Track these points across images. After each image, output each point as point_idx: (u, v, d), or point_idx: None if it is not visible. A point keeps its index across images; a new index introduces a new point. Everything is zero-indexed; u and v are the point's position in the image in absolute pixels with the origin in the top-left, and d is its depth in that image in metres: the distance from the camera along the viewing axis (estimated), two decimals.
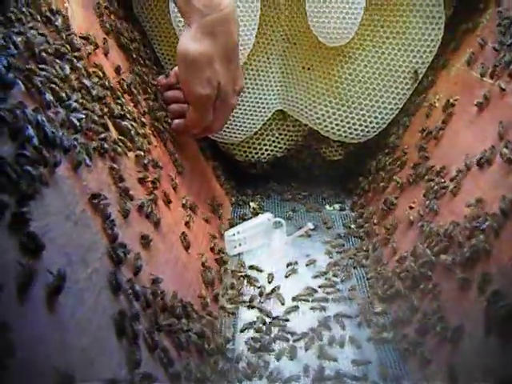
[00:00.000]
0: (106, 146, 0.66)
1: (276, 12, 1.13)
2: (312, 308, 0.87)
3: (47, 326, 0.43)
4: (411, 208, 0.90)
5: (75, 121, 0.59)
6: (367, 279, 0.93)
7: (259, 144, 1.25)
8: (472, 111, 0.83)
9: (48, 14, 0.67)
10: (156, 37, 1.17)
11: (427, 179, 0.89)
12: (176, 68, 0.95)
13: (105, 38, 0.84)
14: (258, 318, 0.85)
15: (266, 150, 1.25)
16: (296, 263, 0.98)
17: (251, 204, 1.21)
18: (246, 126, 1.20)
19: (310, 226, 1.04)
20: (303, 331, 0.81)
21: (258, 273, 0.97)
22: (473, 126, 0.83)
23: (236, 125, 1.19)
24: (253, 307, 0.88)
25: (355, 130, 1.15)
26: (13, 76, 0.50)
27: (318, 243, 1.06)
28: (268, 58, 1.17)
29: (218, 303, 0.87)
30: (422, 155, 0.94)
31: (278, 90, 1.19)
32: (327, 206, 1.22)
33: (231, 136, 1.21)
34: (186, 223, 0.88)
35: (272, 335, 0.81)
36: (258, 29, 1.08)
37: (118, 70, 0.85)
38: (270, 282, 0.94)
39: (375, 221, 1.04)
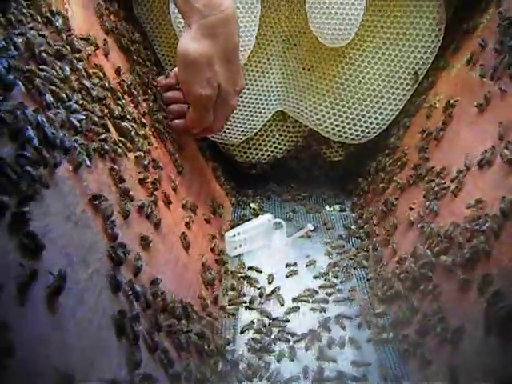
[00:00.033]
0: (106, 146, 0.66)
1: (276, 13, 1.13)
2: (312, 309, 0.87)
3: (48, 327, 0.43)
4: (411, 209, 0.90)
5: (75, 122, 0.59)
6: (367, 280, 0.94)
7: (259, 145, 1.24)
8: (472, 112, 0.83)
9: (48, 14, 0.67)
10: (156, 38, 1.17)
11: (427, 180, 0.89)
12: (176, 69, 0.95)
13: (105, 39, 0.84)
14: (258, 319, 0.85)
15: (266, 150, 1.25)
16: (296, 264, 0.98)
17: (251, 205, 1.21)
18: (246, 127, 1.20)
19: (310, 226, 1.04)
20: (303, 332, 0.81)
21: (258, 274, 0.97)
22: (473, 126, 0.83)
23: (236, 126, 1.19)
24: (253, 308, 0.88)
25: (355, 130, 1.15)
26: (13, 77, 0.50)
27: (318, 244, 1.06)
28: (268, 59, 1.17)
29: (218, 304, 0.87)
30: (422, 156, 0.94)
31: (278, 90, 1.19)
32: (327, 207, 1.22)
33: (231, 137, 1.21)
34: (186, 224, 0.88)
35: (272, 336, 0.81)
36: (259, 30, 1.08)
37: (118, 70, 0.85)
38: (270, 283, 0.94)
39: (375, 222, 1.04)
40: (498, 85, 0.78)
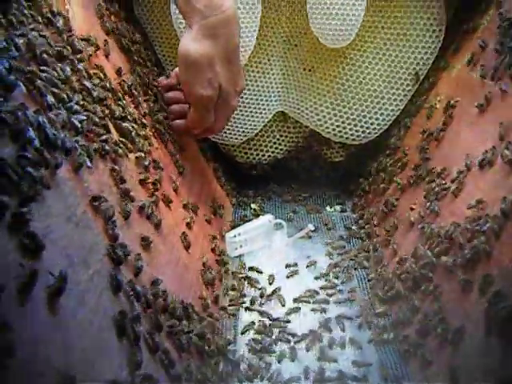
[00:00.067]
0: (107, 147, 0.66)
1: (277, 14, 1.13)
2: (313, 309, 0.87)
3: (48, 327, 0.43)
4: (412, 209, 0.90)
5: (76, 122, 0.59)
6: (368, 281, 0.94)
7: (260, 145, 1.25)
8: (473, 112, 0.83)
9: (49, 15, 0.67)
10: (157, 38, 1.18)
11: (428, 180, 0.89)
12: (177, 69, 0.95)
13: (106, 40, 0.84)
14: (258, 319, 0.85)
15: (267, 151, 1.25)
16: (297, 265, 0.98)
17: (252, 205, 1.21)
18: (246, 128, 1.20)
19: (311, 227, 1.04)
20: (304, 333, 0.81)
21: (258, 274, 0.97)
22: (474, 127, 0.83)
23: (237, 126, 1.19)
24: (254, 309, 0.88)
25: (356, 131, 1.15)
26: (14, 78, 0.50)
27: (319, 245, 1.06)
28: (269, 60, 1.17)
29: (218, 305, 0.87)
30: (423, 156, 0.94)
31: (278, 91, 1.20)
32: (328, 208, 1.22)
33: (232, 137, 1.21)
34: (187, 224, 0.88)
35: (273, 337, 0.81)
36: (259, 30, 1.09)
37: (118, 71, 0.85)
38: (270, 284, 0.94)
39: (376, 222, 1.04)
40: (499, 85, 0.78)
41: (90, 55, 0.75)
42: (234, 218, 1.17)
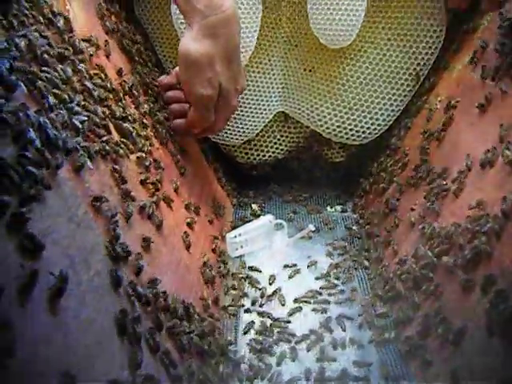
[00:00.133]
0: (107, 148, 0.66)
1: (277, 14, 1.13)
2: (313, 310, 0.87)
3: (49, 327, 0.43)
4: (412, 209, 0.90)
5: (77, 123, 0.59)
6: (369, 281, 0.94)
7: (260, 146, 1.25)
8: (473, 113, 0.83)
9: (50, 16, 0.67)
10: (158, 39, 1.18)
11: (428, 181, 0.89)
12: (177, 68, 0.95)
13: (106, 40, 0.85)
14: (259, 319, 0.85)
15: (268, 151, 1.25)
16: (297, 265, 0.98)
17: (252, 206, 1.21)
18: (247, 128, 1.20)
19: (312, 227, 1.04)
20: (305, 333, 0.81)
21: (259, 274, 0.97)
22: (474, 127, 0.83)
23: (237, 126, 1.19)
24: (254, 309, 0.88)
25: (357, 131, 1.15)
26: (15, 78, 0.51)
27: (320, 245, 1.06)
28: (269, 60, 1.17)
29: (219, 305, 0.87)
30: (424, 157, 0.94)
31: (279, 91, 1.20)
32: (328, 208, 1.22)
33: (232, 138, 1.21)
34: (188, 225, 0.88)
35: (274, 337, 0.81)
36: (260, 31, 1.09)
37: (119, 71, 0.85)
38: (271, 284, 0.94)
39: (376, 222, 1.04)
40: (499, 86, 0.78)
41: (91, 55, 0.75)
42: (235, 218, 1.17)
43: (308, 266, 0.98)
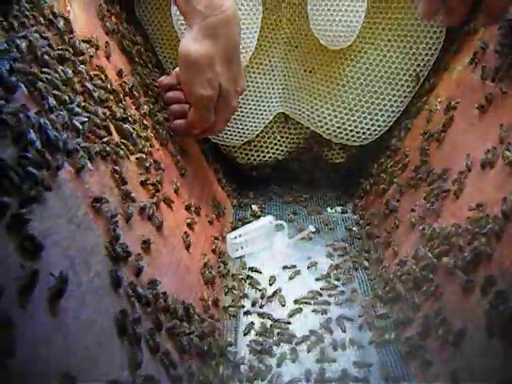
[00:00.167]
0: (108, 148, 0.66)
1: (278, 15, 1.13)
2: (314, 311, 0.87)
3: (49, 328, 0.43)
4: (413, 210, 0.90)
5: (78, 124, 0.59)
6: (369, 281, 0.94)
7: (261, 147, 1.25)
8: (473, 114, 0.83)
9: (50, 17, 0.67)
10: (158, 40, 1.18)
11: (429, 182, 0.89)
12: (177, 68, 0.95)
13: (107, 41, 0.85)
14: (259, 320, 0.85)
15: (268, 152, 1.25)
16: (297, 266, 0.98)
17: (253, 207, 1.21)
18: (247, 129, 1.20)
19: (312, 228, 1.04)
20: (305, 334, 0.81)
21: (259, 275, 0.97)
22: (474, 128, 0.83)
23: (238, 127, 1.20)
24: (254, 310, 0.88)
25: (357, 132, 1.15)
26: (16, 79, 0.51)
27: (320, 246, 1.06)
28: (270, 61, 1.17)
29: (219, 306, 0.87)
30: (424, 158, 0.94)
31: (279, 92, 1.20)
32: (329, 209, 1.22)
33: (233, 138, 1.21)
34: (188, 225, 0.88)
35: (274, 338, 0.81)
36: (260, 32, 1.09)
37: (119, 72, 0.85)
38: (271, 285, 0.94)
39: (376, 223, 1.04)
40: (499, 86, 0.78)
41: (91, 57, 0.75)
42: (235, 219, 1.17)
43: (308, 267, 0.98)
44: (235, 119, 1.18)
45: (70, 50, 0.68)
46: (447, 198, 0.82)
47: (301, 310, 0.87)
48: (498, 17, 0.76)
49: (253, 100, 1.18)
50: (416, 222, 0.87)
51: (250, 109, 1.19)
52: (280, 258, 1.01)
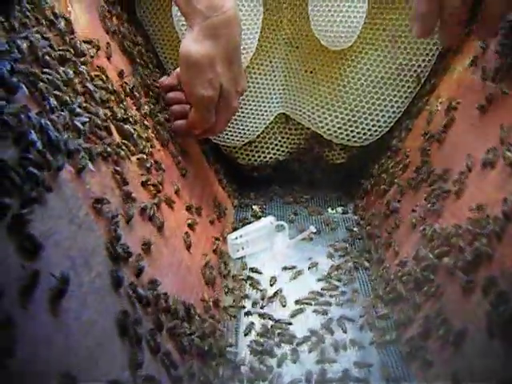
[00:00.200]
0: (109, 149, 0.66)
1: (279, 16, 1.13)
2: (315, 311, 0.87)
3: (50, 328, 0.43)
4: (414, 211, 0.90)
5: (79, 124, 0.59)
6: (370, 282, 0.94)
7: (261, 147, 1.25)
8: (474, 114, 0.83)
9: (51, 17, 0.67)
10: (159, 40, 1.18)
11: (429, 182, 0.89)
12: (178, 69, 0.95)
13: (108, 42, 0.85)
14: (260, 321, 0.85)
15: (269, 153, 1.25)
16: (298, 266, 0.98)
17: (253, 207, 1.22)
18: (248, 130, 1.20)
19: (313, 229, 1.04)
20: (306, 335, 0.81)
21: (260, 276, 0.97)
22: (475, 129, 0.83)
23: (238, 128, 1.20)
24: (255, 310, 0.88)
25: (358, 133, 1.15)
26: (17, 80, 0.51)
27: (321, 246, 1.06)
28: (271, 62, 1.17)
29: (220, 306, 0.87)
30: (424, 158, 0.94)
31: (280, 93, 1.20)
32: (330, 209, 1.22)
33: (233, 139, 1.21)
34: (189, 226, 0.88)
35: (275, 339, 0.81)
36: (261, 32, 1.09)
37: (120, 73, 0.85)
38: (272, 286, 0.94)
39: (378, 224, 1.04)
40: (500, 87, 0.78)
41: (92, 57, 0.75)
42: (236, 219, 1.17)
43: (309, 268, 0.98)
44: (236, 120, 1.18)
45: (71, 50, 0.68)
46: (448, 198, 0.82)
47: (302, 310, 0.87)
48: (493, 32, 0.76)
49: (253, 100, 1.18)
50: (417, 223, 0.87)
51: (251, 109, 1.19)
52: (281, 258, 1.01)
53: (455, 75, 0.98)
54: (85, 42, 0.75)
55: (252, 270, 0.98)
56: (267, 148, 1.25)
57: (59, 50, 0.65)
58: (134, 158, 0.75)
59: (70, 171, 0.55)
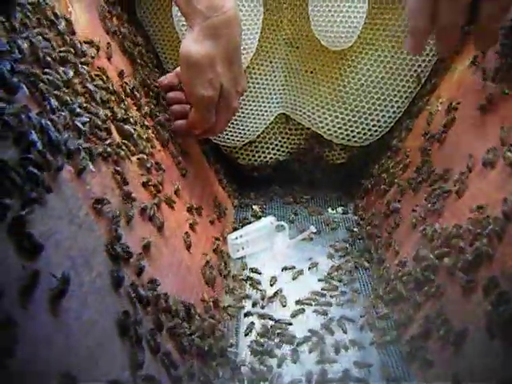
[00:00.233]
0: (109, 149, 0.66)
1: (279, 16, 1.13)
2: (315, 311, 0.87)
3: (50, 328, 0.43)
4: (414, 211, 0.90)
5: (79, 125, 0.59)
6: (370, 282, 0.94)
7: (262, 147, 1.25)
8: (475, 114, 0.83)
9: (52, 18, 0.67)
10: (159, 41, 1.18)
11: (430, 182, 0.89)
12: (178, 69, 0.95)
13: (108, 42, 0.85)
14: (260, 321, 0.85)
15: (269, 153, 1.25)
16: (298, 267, 0.98)
17: (254, 207, 1.22)
18: (248, 130, 1.20)
19: (313, 229, 1.05)
20: (306, 335, 0.81)
21: (260, 276, 0.97)
22: (476, 129, 0.83)
23: (239, 128, 1.20)
24: (255, 310, 0.88)
25: (358, 133, 1.15)
26: (17, 80, 0.51)
27: (321, 246, 1.06)
28: (271, 62, 1.17)
29: (220, 306, 0.87)
30: (425, 158, 0.94)
31: (280, 93, 1.20)
32: (330, 210, 1.22)
33: (234, 139, 1.21)
34: (190, 226, 0.88)
35: (275, 339, 0.81)
36: (261, 33, 1.09)
37: (121, 73, 0.85)
38: (272, 286, 0.94)
39: (378, 224, 1.04)
40: (500, 87, 0.78)
41: (93, 58, 0.75)
42: (236, 219, 1.17)
43: (309, 268, 0.98)
44: (236, 120, 1.18)
45: (72, 51, 0.69)
46: (448, 198, 0.82)
47: (303, 310, 0.87)
48: (491, 43, 0.77)
49: (254, 101, 1.18)
50: (417, 223, 0.87)
51: (251, 109, 1.19)
52: (281, 258, 1.01)
53: (455, 75, 0.98)
54: (85, 42, 0.75)
55: (252, 270, 0.98)
56: (267, 148, 1.25)
57: (60, 50, 0.65)
58: (134, 158, 0.75)
59: (70, 171, 0.55)
